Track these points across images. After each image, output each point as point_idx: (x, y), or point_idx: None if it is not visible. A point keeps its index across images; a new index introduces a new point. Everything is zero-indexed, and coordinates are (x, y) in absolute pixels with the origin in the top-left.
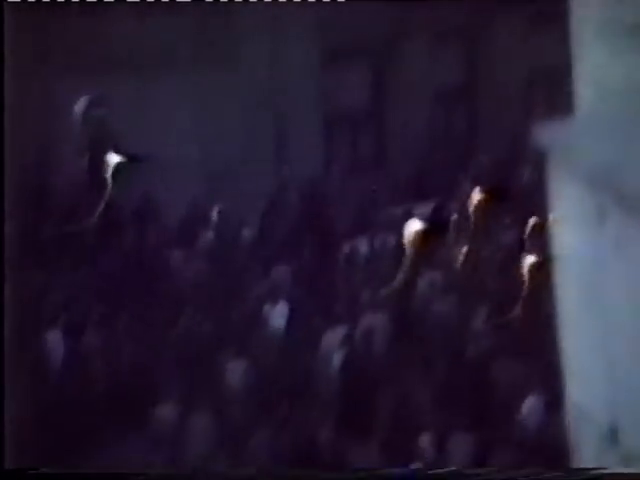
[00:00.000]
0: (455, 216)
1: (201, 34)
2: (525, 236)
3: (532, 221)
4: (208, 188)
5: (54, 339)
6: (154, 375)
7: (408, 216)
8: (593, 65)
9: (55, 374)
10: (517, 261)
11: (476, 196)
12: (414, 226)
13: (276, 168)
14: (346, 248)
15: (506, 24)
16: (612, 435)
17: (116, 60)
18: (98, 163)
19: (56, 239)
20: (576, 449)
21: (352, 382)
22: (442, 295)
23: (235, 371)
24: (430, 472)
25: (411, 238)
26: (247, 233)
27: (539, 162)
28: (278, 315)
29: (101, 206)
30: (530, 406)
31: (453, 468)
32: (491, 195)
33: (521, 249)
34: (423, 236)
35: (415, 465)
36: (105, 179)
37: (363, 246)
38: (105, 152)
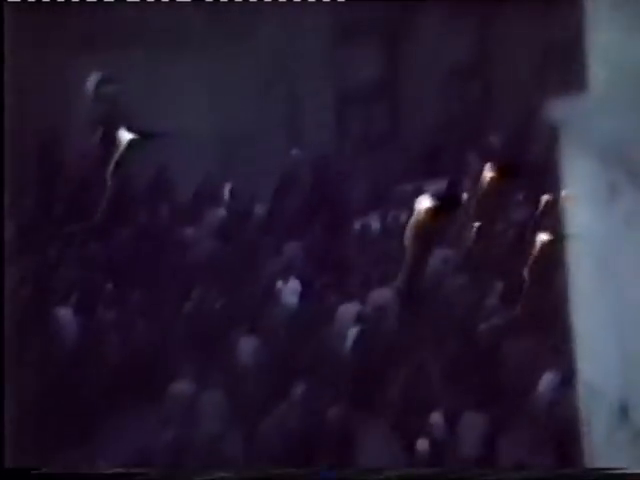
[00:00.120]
0: (467, 193)
1: (214, 12)
2: (537, 213)
3: (544, 198)
4: (221, 165)
5: (65, 316)
6: (166, 352)
7: (420, 193)
8: (606, 42)
9: (66, 352)
10: (529, 238)
11: (488, 173)
12: (425, 203)
13: (289, 145)
14: (358, 224)
15: (520, 1)
16: (623, 412)
17: (129, 37)
18: (110, 140)
19: (68, 216)
20: (587, 426)
21: (366, 359)
22: (454, 272)
23: (247, 348)
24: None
25: (421, 215)
26: (260, 210)
27: (552, 139)
28: (290, 292)
29: (112, 183)
30: (542, 384)
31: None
32: (503, 172)
33: (533, 226)
34: (434, 213)
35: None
36: (117, 156)
37: (375, 222)
38: (117, 129)
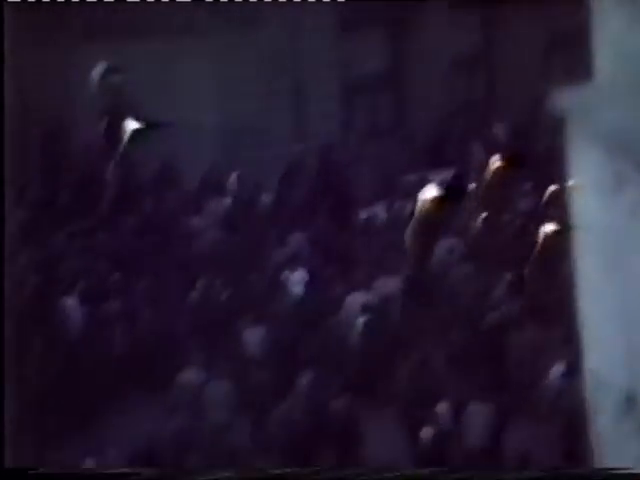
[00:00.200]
0: (473, 183)
1: (219, 2)
2: (543, 203)
3: (550, 189)
4: (226, 155)
5: (71, 305)
6: (172, 342)
7: (425, 183)
8: (612, 32)
9: (71, 341)
10: (535, 229)
11: (494, 163)
12: (430, 193)
13: (294, 135)
14: (364, 215)
15: None
16: (629, 402)
17: (134, 27)
18: (116, 130)
19: (74, 206)
20: (593, 416)
21: (372, 348)
22: (461, 262)
23: (253, 338)
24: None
25: (425, 205)
26: (265, 199)
27: (558, 129)
28: (296, 281)
29: (118, 173)
30: (548, 374)
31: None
32: (509, 162)
33: (539, 217)
34: (439, 203)
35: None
36: (122, 146)
37: (381, 212)
38: (123, 119)
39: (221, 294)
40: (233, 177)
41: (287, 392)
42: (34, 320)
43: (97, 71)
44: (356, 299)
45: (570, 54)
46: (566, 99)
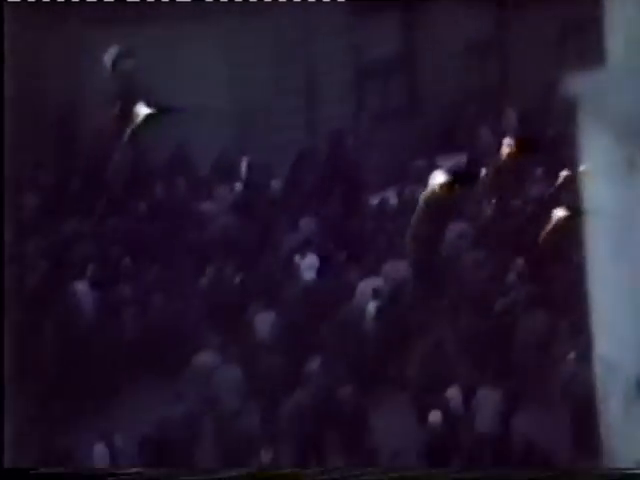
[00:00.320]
0: (484, 168)
1: None
2: (555, 188)
3: (562, 174)
4: (238, 139)
5: (82, 290)
6: (184, 327)
7: (435, 168)
8: (624, 18)
9: (84, 324)
10: (547, 214)
11: (506, 148)
12: (439, 178)
13: (306, 120)
14: (375, 199)
15: None
16: (639, 386)
17: (146, 12)
18: (127, 114)
19: (86, 191)
20: (604, 400)
21: (383, 333)
22: (472, 247)
23: (264, 323)
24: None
25: (436, 189)
26: (276, 184)
27: (569, 114)
28: (307, 266)
29: (129, 158)
30: (559, 359)
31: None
32: (521, 147)
33: (551, 202)
34: (448, 188)
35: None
36: (134, 130)
37: (393, 197)
38: (134, 103)
39: (233, 279)
40: (244, 162)
41: (297, 377)
42: (45, 305)
43: (109, 56)
44: (367, 284)
45: (583, 40)
46: (578, 85)
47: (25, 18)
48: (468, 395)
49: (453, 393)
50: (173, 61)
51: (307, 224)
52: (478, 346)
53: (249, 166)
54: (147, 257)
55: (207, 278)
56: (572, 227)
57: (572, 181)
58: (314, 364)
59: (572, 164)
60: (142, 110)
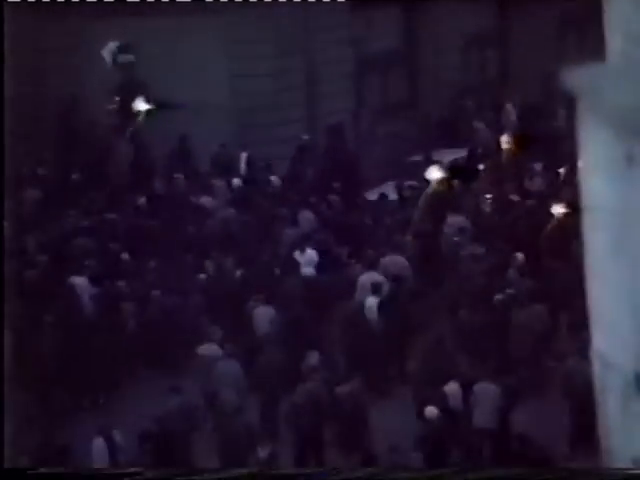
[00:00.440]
0: (483, 164)
1: None
2: (553, 184)
3: (561, 169)
4: (237, 134)
5: (82, 284)
6: (182, 321)
7: (435, 162)
8: (622, 12)
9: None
10: (545, 209)
11: (505, 143)
12: (437, 173)
13: (306, 114)
14: (375, 194)
15: None
16: (637, 382)
17: (146, 5)
18: (127, 110)
19: (86, 185)
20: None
21: (382, 328)
22: (471, 242)
23: (264, 317)
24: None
25: (434, 184)
26: (276, 179)
27: (569, 108)
28: (306, 261)
29: (129, 153)
30: (555, 355)
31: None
32: (520, 142)
33: (549, 197)
34: (448, 182)
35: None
36: (134, 126)
37: (392, 192)
38: (134, 98)
39: (232, 274)
40: (244, 157)
41: (296, 372)
42: (46, 298)
43: (107, 50)
44: (366, 279)
45: (582, 34)
46: (577, 79)
47: (25, 18)
48: (467, 390)
49: (453, 388)
50: (172, 55)
51: (307, 218)
52: (474, 340)
53: (249, 160)
54: (147, 251)
55: (206, 273)
56: (571, 223)
57: (571, 177)
58: (313, 359)
59: (571, 159)
60: (141, 106)
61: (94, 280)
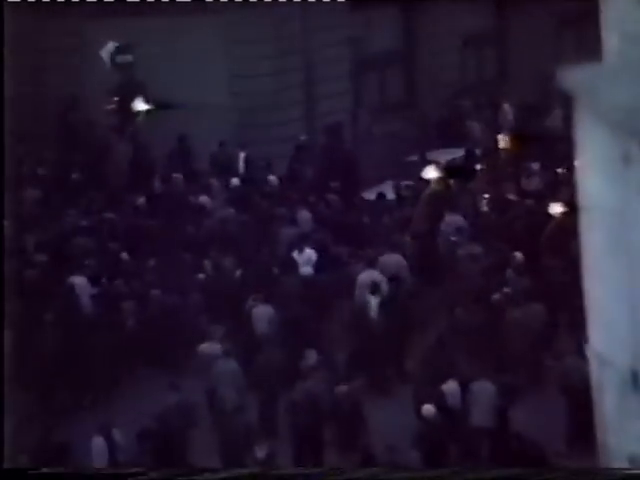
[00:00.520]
0: (480, 162)
1: None
2: (551, 184)
3: (558, 169)
4: (236, 133)
5: (81, 284)
6: (181, 321)
7: (432, 162)
8: (619, 12)
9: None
10: (543, 209)
11: (502, 143)
12: (435, 172)
13: (304, 114)
14: (373, 193)
15: None
16: (634, 381)
17: (145, 5)
18: (126, 110)
19: (86, 184)
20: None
21: (381, 327)
22: (469, 241)
23: (262, 316)
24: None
25: (432, 184)
26: (274, 179)
27: (566, 108)
28: (305, 260)
29: (128, 153)
30: (553, 354)
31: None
32: (517, 142)
33: (547, 197)
34: (445, 181)
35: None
36: (133, 126)
37: (390, 192)
38: (133, 98)
39: (232, 273)
40: (242, 156)
41: (295, 371)
42: (46, 297)
43: (106, 51)
44: (365, 278)
45: (579, 34)
46: (574, 78)
47: (25, 18)
48: (464, 389)
49: (451, 387)
50: (171, 55)
51: (304, 218)
52: (471, 339)
53: (247, 160)
54: (146, 250)
55: (205, 272)
56: (568, 222)
57: (568, 176)
58: (311, 358)
59: (568, 158)
60: (141, 106)
61: (94, 279)
